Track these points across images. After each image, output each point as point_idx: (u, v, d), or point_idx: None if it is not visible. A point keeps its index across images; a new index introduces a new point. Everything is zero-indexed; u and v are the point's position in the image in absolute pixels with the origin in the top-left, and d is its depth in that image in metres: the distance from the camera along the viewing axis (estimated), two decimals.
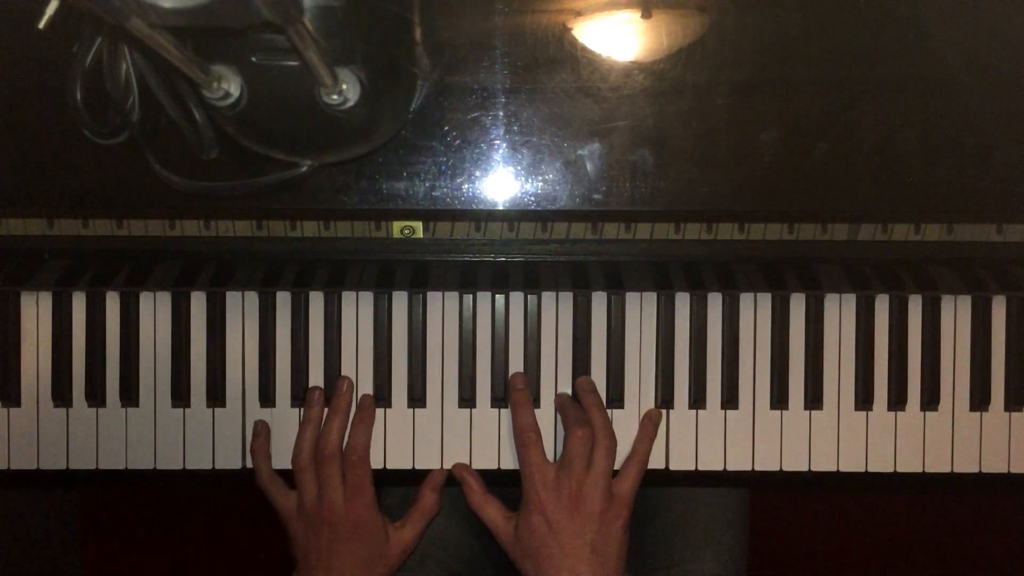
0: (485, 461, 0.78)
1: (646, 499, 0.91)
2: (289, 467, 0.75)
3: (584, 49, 0.62)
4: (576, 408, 0.75)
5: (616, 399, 0.77)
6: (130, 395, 0.77)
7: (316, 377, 0.77)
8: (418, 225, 0.75)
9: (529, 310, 0.78)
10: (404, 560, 0.76)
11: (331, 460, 0.73)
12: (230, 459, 0.77)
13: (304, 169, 0.57)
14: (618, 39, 0.62)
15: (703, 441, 0.78)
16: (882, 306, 0.78)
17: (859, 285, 0.77)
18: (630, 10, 0.63)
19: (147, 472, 0.77)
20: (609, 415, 0.76)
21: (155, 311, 0.77)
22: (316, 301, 0.77)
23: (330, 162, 0.60)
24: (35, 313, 0.77)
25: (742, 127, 0.62)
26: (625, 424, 0.77)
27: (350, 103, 0.49)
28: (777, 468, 0.78)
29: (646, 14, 0.63)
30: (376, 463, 0.77)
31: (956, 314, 0.78)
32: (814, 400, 0.78)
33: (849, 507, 1.56)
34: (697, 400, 0.77)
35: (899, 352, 0.78)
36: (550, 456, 0.76)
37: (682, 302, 0.78)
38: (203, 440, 0.77)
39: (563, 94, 0.62)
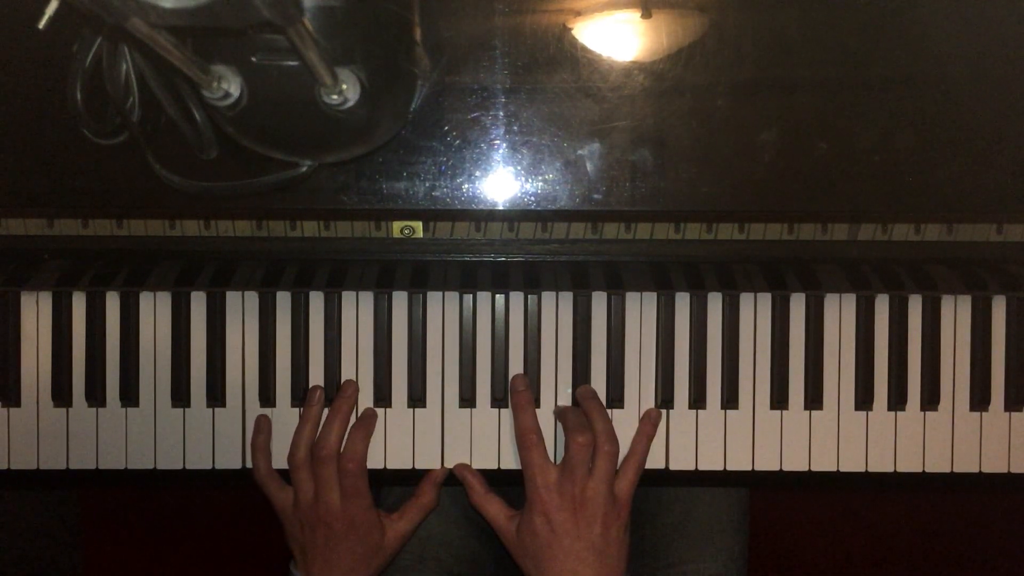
0: (485, 461, 0.78)
1: (646, 499, 0.91)
2: (288, 466, 0.75)
3: (584, 49, 0.62)
4: (576, 413, 0.75)
5: (616, 399, 0.77)
6: (130, 395, 0.77)
7: (316, 377, 0.77)
8: (418, 225, 0.75)
9: (529, 310, 0.78)
10: (400, 550, 0.77)
11: (328, 461, 0.73)
12: (230, 459, 0.77)
13: (304, 169, 0.57)
14: (618, 39, 0.62)
15: (703, 441, 0.78)
16: (882, 306, 0.78)
17: (859, 285, 0.77)
18: (630, 10, 0.63)
19: (147, 472, 0.77)
20: (609, 415, 0.76)
21: (155, 311, 0.77)
22: (316, 301, 0.77)
23: (330, 162, 0.60)
24: (35, 313, 0.77)
25: (742, 127, 0.62)
26: (625, 424, 0.77)
27: (350, 103, 0.49)
28: (777, 468, 0.78)
29: (646, 14, 0.63)
30: (376, 463, 0.77)
31: (956, 314, 0.78)
32: (814, 400, 0.78)
33: (849, 507, 1.56)
34: (697, 400, 0.77)
35: (899, 352, 0.78)
36: (550, 458, 0.76)
37: (682, 302, 0.78)
38: (203, 440, 0.77)
39: (563, 94, 0.62)
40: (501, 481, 0.77)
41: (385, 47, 0.53)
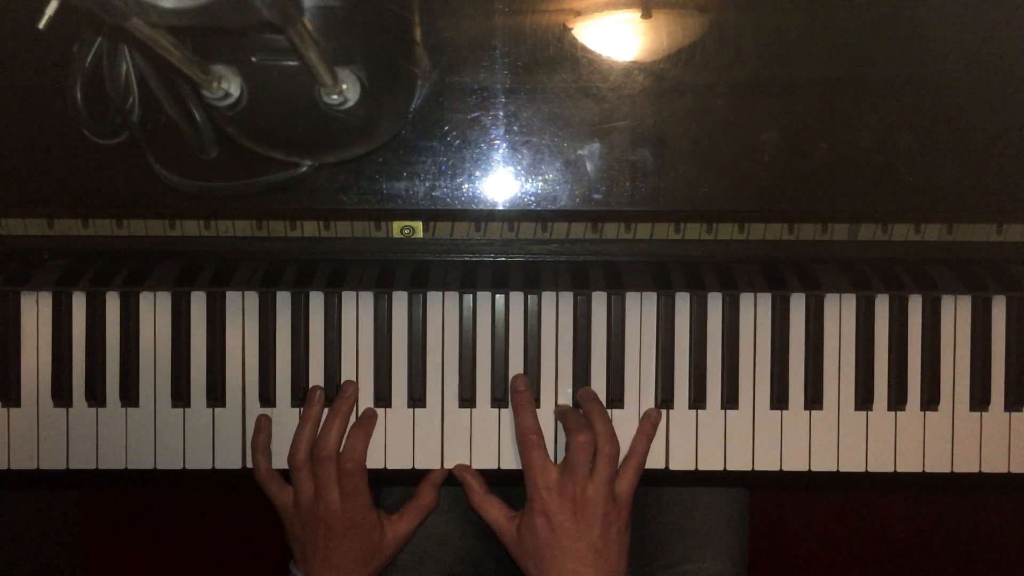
0: (485, 461, 0.77)
1: (646, 499, 0.91)
2: (288, 467, 0.75)
3: (584, 49, 0.62)
4: (577, 414, 0.75)
5: (616, 399, 0.77)
6: (130, 395, 0.77)
7: (316, 377, 0.77)
8: (418, 225, 0.75)
9: (529, 310, 0.78)
10: (400, 551, 0.77)
11: (327, 461, 0.73)
12: (230, 459, 0.77)
13: (304, 169, 0.57)
14: (618, 39, 0.62)
15: (703, 441, 0.78)
16: (882, 306, 0.78)
17: (859, 285, 0.77)
18: (630, 10, 0.63)
19: (147, 472, 0.77)
20: (609, 415, 0.76)
21: (155, 311, 0.77)
22: (316, 301, 0.77)
23: (330, 162, 0.60)
24: (35, 313, 0.77)
25: (742, 127, 0.62)
26: (625, 424, 0.77)
27: (350, 103, 0.49)
28: (777, 468, 0.78)
29: (646, 14, 0.63)
30: (376, 463, 0.77)
31: (956, 314, 0.78)
32: (814, 400, 0.78)
33: (849, 507, 1.56)
34: (697, 400, 0.77)
35: (899, 352, 0.78)
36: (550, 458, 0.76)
37: (682, 302, 0.78)
38: (203, 440, 0.77)
39: (563, 94, 0.62)
40: (501, 481, 0.77)
41: (385, 47, 0.53)
